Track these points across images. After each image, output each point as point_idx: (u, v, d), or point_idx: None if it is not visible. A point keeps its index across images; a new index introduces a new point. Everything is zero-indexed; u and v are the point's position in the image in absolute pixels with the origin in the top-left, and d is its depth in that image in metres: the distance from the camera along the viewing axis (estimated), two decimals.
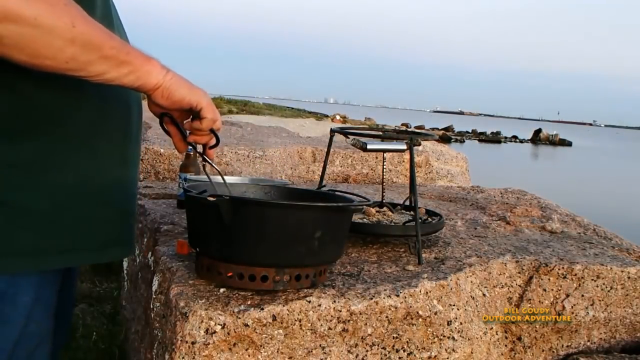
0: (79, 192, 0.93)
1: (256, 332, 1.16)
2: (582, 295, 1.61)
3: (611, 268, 1.65)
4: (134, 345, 1.88)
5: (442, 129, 40.47)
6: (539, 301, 1.57)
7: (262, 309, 1.17)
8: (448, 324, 1.37)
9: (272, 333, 1.18)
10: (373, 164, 3.51)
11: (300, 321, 1.20)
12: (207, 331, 1.15)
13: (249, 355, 1.17)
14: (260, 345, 1.17)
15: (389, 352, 1.29)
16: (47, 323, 0.97)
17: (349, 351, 1.25)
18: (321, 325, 1.22)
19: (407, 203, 1.85)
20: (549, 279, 1.59)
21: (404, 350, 1.31)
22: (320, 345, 1.22)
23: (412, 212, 1.73)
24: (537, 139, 45.67)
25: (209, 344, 1.14)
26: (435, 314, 1.35)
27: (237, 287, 1.22)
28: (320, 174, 1.97)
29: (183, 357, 1.15)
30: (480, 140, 42.56)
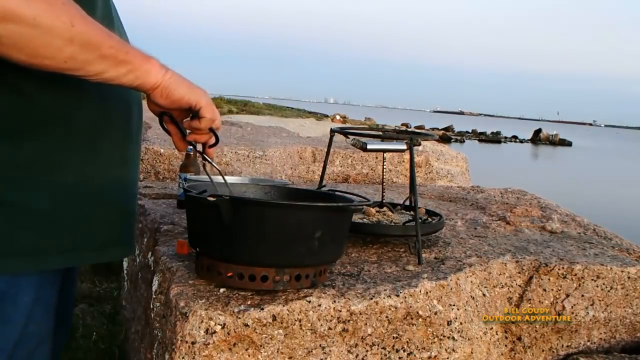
0: (80, 192, 0.93)
1: (256, 332, 1.16)
2: (582, 295, 1.61)
3: (611, 268, 1.65)
4: (134, 345, 1.88)
5: (442, 129, 40.46)
6: (539, 301, 1.57)
7: (262, 309, 1.17)
8: (448, 324, 1.37)
9: (272, 333, 1.18)
10: (373, 164, 3.51)
11: (300, 321, 1.20)
12: (207, 331, 1.15)
13: (249, 355, 1.17)
14: (260, 345, 1.17)
15: (389, 352, 1.29)
16: (48, 323, 0.97)
17: (349, 351, 1.25)
18: (321, 325, 1.22)
19: (407, 203, 1.85)
20: (549, 279, 1.59)
21: (404, 350, 1.31)
22: (320, 345, 1.22)
23: (412, 212, 1.73)
24: (537, 139, 45.67)
25: (209, 344, 1.14)
26: (435, 314, 1.35)
27: (237, 287, 1.22)
28: (320, 174, 1.97)
29: (183, 357, 1.15)
30: (480, 140, 42.56)
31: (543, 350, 1.58)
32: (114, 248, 1.03)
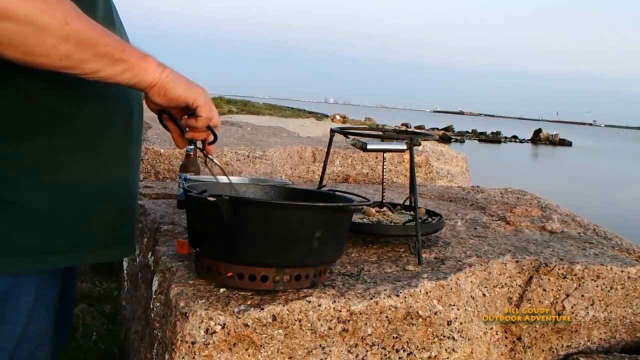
0: (80, 192, 0.93)
1: (256, 332, 1.16)
2: (582, 295, 1.61)
3: (611, 268, 1.65)
4: (134, 345, 1.88)
5: (442, 129, 40.47)
6: (539, 301, 1.57)
7: (262, 309, 1.17)
8: (448, 324, 1.37)
9: (272, 333, 1.18)
10: (373, 164, 3.51)
11: (300, 321, 1.20)
12: (207, 331, 1.15)
13: (249, 355, 1.17)
14: (260, 345, 1.17)
15: (389, 352, 1.29)
16: (48, 323, 0.98)
17: (349, 351, 1.25)
18: (321, 325, 1.22)
19: (407, 203, 1.85)
20: (549, 279, 1.59)
21: (404, 350, 1.31)
22: (320, 345, 1.22)
23: (412, 212, 1.73)
24: (537, 139, 45.68)
25: (209, 344, 1.14)
26: (435, 314, 1.35)
27: (237, 287, 1.22)
28: (320, 174, 1.97)
29: (183, 357, 1.15)
30: (480, 140, 42.56)
31: (543, 350, 1.58)
32: (115, 248, 1.03)
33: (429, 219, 1.74)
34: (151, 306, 1.44)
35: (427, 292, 1.35)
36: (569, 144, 44.61)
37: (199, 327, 1.15)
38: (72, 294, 1.17)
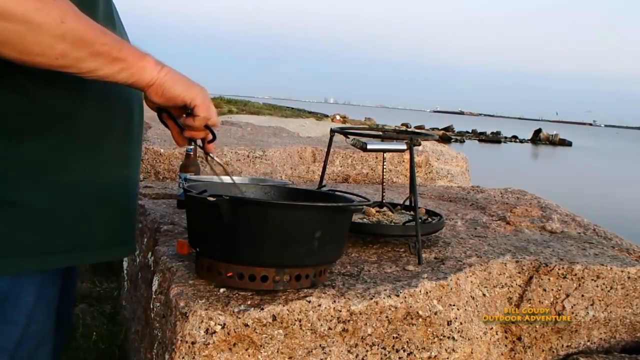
0: (81, 192, 0.94)
1: (256, 332, 1.16)
2: (582, 295, 1.61)
3: (611, 268, 1.65)
4: (134, 345, 1.88)
5: (442, 129, 40.47)
6: (539, 301, 1.57)
7: (262, 309, 1.17)
8: (448, 324, 1.37)
9: (272, 333, 1.18)
10: (373, 164, 3.51)
11: (300, 321, 1.20)
12: (207, 331, 1.15)
13: (249, 355, 1.17)
14: (260, 345, 1.17)
15: (389, 352, 1.29)
16: (49, 323, 0.98)
17: (349, 351, 1.25)
18: (321, 325, 1.22)
19: (407, 203, 1.85)
20: (549, 279, 1.59)
21: (404, 350, 1.31)
22: (320, 345, 1.22)
23: (412, 212, 1.73)
24: (537, 139, 45.69)
25: (209, 344, 1.14)
26: (435, 314, 1.35)
27: (237, 287, 1.22)
28: (320, 174, 1.97)
29: (183, 357, 1.15)
30: (480, 140, 42.57)
31: (543, 350, 1.58)
32: (115, 247, 1.03)
33: (429, 219, 1.74)
34: (151, 306, 1.44)
35: (427, 292, 1.35)
36: (569, 144, 44.62)
37: (199, 327, 1.15)
38: (72, 293, 1.17)
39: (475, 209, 2.33)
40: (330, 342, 1.23)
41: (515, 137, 48.23)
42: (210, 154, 1.10)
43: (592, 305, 1.62)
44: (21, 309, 0.91)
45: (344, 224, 1.27)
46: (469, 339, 1.41)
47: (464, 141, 38.14)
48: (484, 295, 1.52)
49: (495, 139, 45.22)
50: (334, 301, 1.24)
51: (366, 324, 1.26)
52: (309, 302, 1.21)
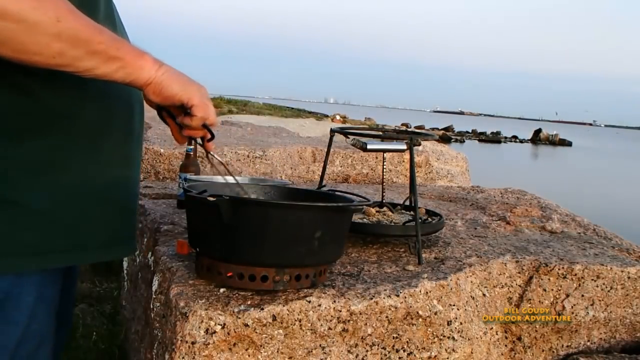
0: (81, 191, 0.94)
1: (256, 332, 1.16)
2: (582, 295, 1.61)
3: (611, 268, 1.65)
4: (134, 345, 1.88)
5: (442, 129, 40.48)
6: (539, 301, 1.57)
7: (262, 309, 1.17)
8: (448, 324, 1.37)
9: (272, 333, 1.18)
10: (373, 164, 3.51)
11: (300, 321, 1.20)
12: (207, 331, 1.15)
13: (249, 355, 1.17)
14: (260, 345, 1.17)
15: (389, 352, 1.29)
16: (49, 323, 0.98)
17: (349, 351, 1.25)
18: (321, 325, 1.22)
19: (407, 203, 1.85)
20: (549, 279, 1.59)
21: (404, 350, 1.31)
22: (320, 345, 1.22)
23: (412, 212, 1.73)
24: (537, 139, 45.69)
25: (209, 344, 1.14)
26: (435, 314, 1.35)
27: (237, 287, 1.22)
28: (320, 174, 1.97)
29: (183, 357, 1.15)
30: (480, 140, 42.58)
31: (543, 350, 1.58)
32: (116, 247, 1.03)
33: (429, 219, 1.74)
34: (151, 306, 1.44)
35: (427, 292, 1.35)
36: (569, 144, 44.62)
37: (199, 327, 1.15)
38: (73, 293, 1.17)
39: (475, 209, 2.33)
40: (330, 342, 1.23)
41: (515, 137, 48.25)
42: (211, 153, 1.10)
43: (592, 305, 1.62)
44: (22, 308, 0.91)
45: (344, 224, 1.27)
46: (469, 339, 1.41)
47: (464, 141, 38.15)
48: (484, 295, 1.52)
49: (495, 139, 45.23)
50: (334, 301, 1.24)
51: (366, 324, 1.26)
52: (309, 302, 1.21)
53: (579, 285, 1.61)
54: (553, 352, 1.59)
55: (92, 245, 0.97)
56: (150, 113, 1.07)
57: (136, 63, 0.89)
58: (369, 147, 1.56)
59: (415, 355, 1.32)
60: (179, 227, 1.74)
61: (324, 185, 1.73)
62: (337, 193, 1.46)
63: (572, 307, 1.59)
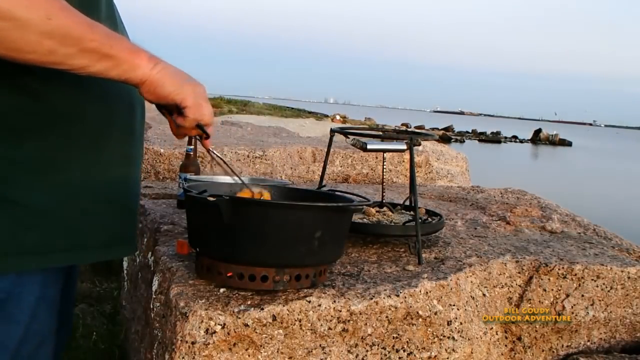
0: (83, 191, 0.94)
1: (256, 332, 1.16)
2: (582, 295, 1.61)
3: (611, 268, 1.65)
4: (134, 345, 1.88)
5: (442, 129, 40.49)
6: (539, 301, 1.57)
7: (262, 309, 1.17)
8: (448, 324, 1.37)
9: (272, 333, 1.18)
10: (373, 164, 3.51)
11: (300, 321, 1.20)
12: (207, 331, 1.15)
13: (249, 355, 1.17)
14: (260, 345, 1.17)
15: (389, 352, 1.29)
16: (51, 322, 0.98)
17: (349, 351, 1.25)
18: (321, 325, 1.22)
19: (407, 203, 1.85)
20: (549, 279, 1.59)
21: (404, 350, 1.31)
22: (320, 345, 1.22)
23: (412, 212, 1.73)
24: (537, 139, 45.70)
25: (209, 344, 1.14)
26: (435, 314, 1.35)
27: (237, 287, 1.22)
28: (320, 174, 1.97)
29: (183, 357, 1.15)
30: (480, 140, 42.59)
31: (543, 350, 1.58)
32: (116, 246, 1.03)
33: (429, 219, 1.74)
34: (151, 306, 1.44)
35: (427, 292, 1.35)
36: (569, 144, 44.63)
37: (199, 327, 1.15)
38: (73, 293, 1.17)
39: (475, 209, 2.33)
40: (330, 342, 1.23)
41: (515, 137, 48.26)
42: (211, 150, 1.10)
43: (592, 305, 1.62)
44: (23, 308, 0.91)
45: (344, 224, 1.27)
46: (469, 339, 1.41)
47: (464, 141, 38.16)
48: (484, 295, 1.52)
49: (495, 139, 45.24)
50: (334, 301, 1.24)
51: (366, 324, 1.26)
52: (309, 302, 1.21)
53: (579, 285, 1.61)
54: (553, 352, 1.59)
55: (92, 244, 0.97)
56: (150, 113, 1.07)
57: (131, 61, 0.88)
58: (369, 147, 1.56)
59: (415, 355, 1.32)
60: (179, 227, 1.74)
61: (324, 185, 1.73)
62: (337, 193, 1.46)
63: (572, 307, 1.59)
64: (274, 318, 1.17)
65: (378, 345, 1.28)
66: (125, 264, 2.26)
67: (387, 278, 1.39)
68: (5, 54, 0.77)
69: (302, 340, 1.20)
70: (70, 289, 1.13)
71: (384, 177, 1.93)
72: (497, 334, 1.53)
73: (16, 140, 0.86)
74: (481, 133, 47.34)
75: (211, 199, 1.10)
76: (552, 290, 1.59)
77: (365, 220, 1.70)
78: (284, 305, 1.19)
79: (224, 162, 1.20)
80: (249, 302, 1.19)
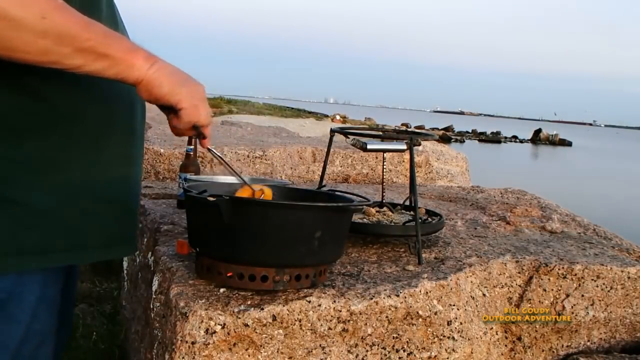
0: (83, 191, 0.94)
1: (256, 332, 1.16)
2: (582, 295, 1.61)
3: (611, 268, 1.65)
4: (134, 345, 1.88)
5: (442, 129, 40.49)
6: (539, 301, 1.57)
7: (262, 309, 1.17)
8: (448, 324, 1.37)
9: (272, 333, 1.18)
10: (373, 164, 3.51)
11: (300, 321, 1.20)
12: (207, 331, 1.15)
13: (249, 355, 1.17)
14: (260, 345, 1.17)
15: (389, 352, 1.29)
16: (51, 322, 0.98)
17: (349, 351, 1.25)
18: (321, 325, 1.22)
19: (407, 203, 1.85)
20: (549, 279, 1.59)
21: (404, 350, 1.31)
22: (320, 345, 1.22)
23: (412, 212, 1.73)
24: (537, 139, 45.71)
25: (209, 344, 1.14)
26: (435, 314, 1.35)
27: (237, 287, 1.22)
28: (320, 174, 1.97)
29: (183, 357, 1.15)
30: (480, 140, 42.60)
31: (543, 350, 1.58)
32: (117, 246, 1.03)
33: (429, 219, 1.74)
34: (151, 306, 1.44)
35: (427, 292, 1.35)
36: (569, 144, 44.63)
37: (199, 327, 1.15)
38: (73, 293, 1.17)
39: (475, 209, 2.33)
40: (330, 342, 1.23)
41: (515, 137, 48.27)
42: (210, 148, 1.09)
43: (592, 305, 1.62)
44: (24, 308, 0.91)
45: (344, 224, 1.27)
46: (469, 339, 1.41)
47: (464, 141, 38.17)
48: (484, 295, 1.52)
49: (495, 139, 45.25)
50: (334, 301, 1.24)
51: (366, 324, 1.26)
52: (309, 302, 1.21)
53: (579, 285, 1.61)
54: (553, 352, 1.59)
55: (92, 244, 0.97)
56: (150, 113, 1.07)
57: (127, 61, 0.87)
58: (369, 147, 1.56)
59: (415, 355, 1.32)
60: (179, 227, 1.74)
61: (324, 185, 1.73)
62: (337, 193, 1.46)
63: (572, 307, 1.59)
64: (274, 318, 1.17)
65: (378, 345, 1.28)
66: (125, 264, 2.26)
67: (387, 278, 1.39)
68: (1, 54, 0.77)
69: (302, 340, 1.20)
70: (71, 289, 1.13)
71: (384, 177, 1.93)
72: (497, 334, 1.53)
73: (16, 140, 0.86)
74: (481, 133, 47.35)
75: (211, 199, 1.10)
76: (552, 290, 1.59)
77: (365, 220, 1.70)
78: (284, 305, 1.19)
79: (223, 161, 1.20)
80: (249, 302, 1.19)
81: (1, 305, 0.88)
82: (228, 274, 1.19)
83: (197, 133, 1.03)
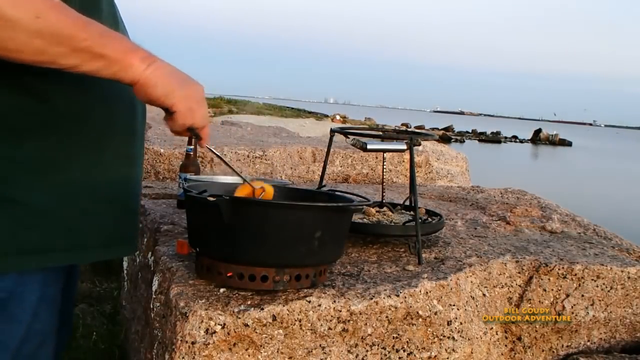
0: (83, 191, 0.94)
1: (256, 332, 1.16)
2: (582, 295, 1.61)
3: (611, 268, 1.65)
4: (134, 345, 1.88)
5: (442, 129, 40.49)
6: (539, 301, 1.57)
7: (262, 309, 1.17)
8: (448, 324, 1.37)
9: (272, 333, 1.18)
10: (373, 164, 3.51)
11: (300, 321, 1.20)
12: (207, 331, 1.15)
13: (249, 355, 1.17)
14: (260, 345, 1.17)
15: (389, 352, 1.29)
16: (52, 322, 0.98)
17: (349, 351, 1.25)
18: (321, 325, 1.22)
19: (407, 203, 1.85)
20: (549, 279, 1.59)
21: (404, 350, 1.31)
22: (320, 345, 1.22)
23: (412, 212, 1.73)
24: (537, 139, 45.71)
25: (209, 344, 1.14)
26: (435, 314, 1.35)
27: (237, 287, 1.22)
28: (320, 174, 1.97)
29: (183, 357, 1.15)
30: (480, 140, 42.60)
31: (543, 350, 1.58)
32: (117, 246, 1.03)
33: (429, 219, 1.74)
34: (151, 306, 1.44)
35: (427, 292, 1.35)
36: (569, 144, 44.63)
37: (199, 327, 1.15)
38: (73, 293, 1.17)
39: (475, 209, 2.33)
40: (330, 342, 1.23)
41: (515, 137, 48.27)
42: (209, 147, 1.09)
43: (592, 305, 1.62)
44: (25, 307, 0.91)
45: (344, 224, 1.27)
46: (469, 339, 1.41)
47: (464, 141, 38.17)
48: (484, 295, 1.52)
49: (495, 139, 45.26)
50: (334, 301, 1.24)
51: (366, 324, 1.26)
52: (309, 302, 1.21)
53: (579, 285, 1.61)
54: (553, 352, 1.59)
55: (93, 244, 0.97)
56: (150, 113, 1.07)
57: (123, 61, 0.86)
58: (369, 147, 1.56)
59: (415, 355, 1.32)
60: (179, 227, 1.74)
61: (324, 185, 1.73)
62: (337, 193, 1.46)
63: (572, 307, 1.59)
64: (274, 318, 1.17)
65: (378, 345, 1.28)
66: (125, 264, 2.26)
67: (387, 278, 1.39)
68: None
69: (302, 340, 1.20)
70: (71, 289, 1.13)
71: (384, 177, 1.93)
72: (497, 334, 1.53)
73: (16, 140, 0.86)
74: (481, 133, 47.35)
75: (211, 199, 1.10)
76: (552, 290, 1.59)
77: (365, 220, 1.70)
78: (284, 305, 1.19)
79: (222, 159, 1.20)
80: (249, 302, 1.19)
81: (2, 305, 0.88)
82: (228, 274, 1.19)
83: (193, 134, 1.03)
